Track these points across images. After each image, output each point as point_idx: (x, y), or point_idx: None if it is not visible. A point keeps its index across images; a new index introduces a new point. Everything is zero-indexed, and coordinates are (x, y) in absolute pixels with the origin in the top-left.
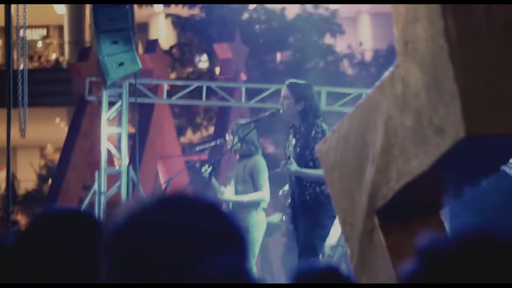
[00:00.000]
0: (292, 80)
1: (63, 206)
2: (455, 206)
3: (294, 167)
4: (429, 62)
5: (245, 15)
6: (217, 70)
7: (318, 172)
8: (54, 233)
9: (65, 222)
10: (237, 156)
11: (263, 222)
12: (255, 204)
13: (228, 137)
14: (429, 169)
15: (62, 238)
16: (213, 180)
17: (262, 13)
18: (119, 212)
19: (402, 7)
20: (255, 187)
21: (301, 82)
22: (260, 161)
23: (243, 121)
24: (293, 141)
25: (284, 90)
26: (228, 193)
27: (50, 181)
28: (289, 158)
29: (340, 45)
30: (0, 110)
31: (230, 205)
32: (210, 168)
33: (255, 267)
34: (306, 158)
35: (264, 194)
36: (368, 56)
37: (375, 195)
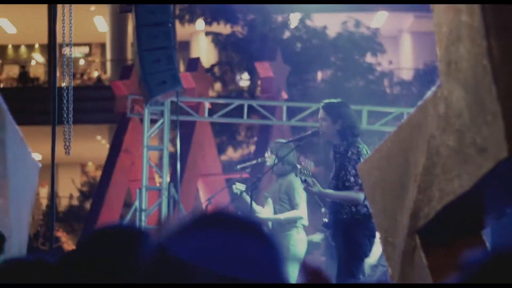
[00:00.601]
0: (327, 101)
1: (115, 223)
2: (497, 225)
3: (317, 188)
4: (472, 82)
5: (287, 34)
6: (258, 88)
7: (342, 193)
8: (102, 251)
9: (114, 239)
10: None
11: (304, 241)
12: (293, 223)
13: (267, 155)
14: (471, 189)
15: (110, 256)
16: (253, 204)
17: (303, 32)
18: (160, 230)
19: (445, 27)
20: (291, 206)
21: (336, 101)
22: (295, 180)
23: (282, 140)
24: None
25: (320, 112)
26: (266, 213)
27: (91, 198)
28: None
29: (381, 64)
30: (42, 127)
31: (270, 224)
32: (248, 195)
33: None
34: (341, 178)
35: (300, 212)
36: (409, 75)
37: (416, 215)
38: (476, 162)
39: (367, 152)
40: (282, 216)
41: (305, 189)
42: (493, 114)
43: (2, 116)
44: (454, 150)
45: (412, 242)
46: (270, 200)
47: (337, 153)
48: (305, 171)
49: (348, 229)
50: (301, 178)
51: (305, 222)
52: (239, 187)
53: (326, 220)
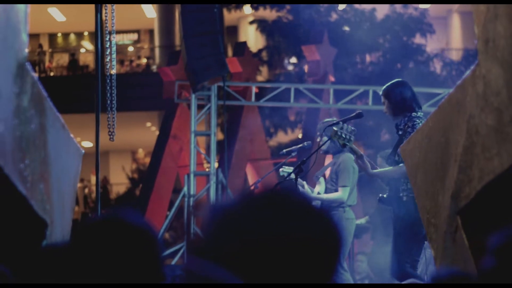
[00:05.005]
0: (385, 85)
1: (111, 213)
2: None
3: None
4: (510, 60)
5: (334, 16)
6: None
7: (389, 170)
8: (100, 241)
9: (111, 230)
10: (326, 156)
11: (351, 220)
12: (339, 203)
13: (318, 139)
14: (510, 167)
15: (108, 246)
16: (300, 184)
17: (351, 14)
18: (208, 211)
19: (482, 6)
20: (336, 186)
21: (392, 82)
22: (347, 160)
23: (329, 119)
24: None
25: (382, 96)
26: (314, 192)
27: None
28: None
29: (431, 45)
30: (93, 115)
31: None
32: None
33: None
34: (398, 153)
35: (339, 194)
36: (459, 56)
37: (458, 195)
38: None
39: None
40: (325, 196)
41: (356, 161)
42: None
43: (42, 103)
44: (493, 129)
45: (453, 223)
46: (322, 179)
47: (399, 129)
48: (343, 135)
49: (406, 210)
50: (338, 142)
51: (352, 202)
52: (286, 170)
53: (385, 195)
